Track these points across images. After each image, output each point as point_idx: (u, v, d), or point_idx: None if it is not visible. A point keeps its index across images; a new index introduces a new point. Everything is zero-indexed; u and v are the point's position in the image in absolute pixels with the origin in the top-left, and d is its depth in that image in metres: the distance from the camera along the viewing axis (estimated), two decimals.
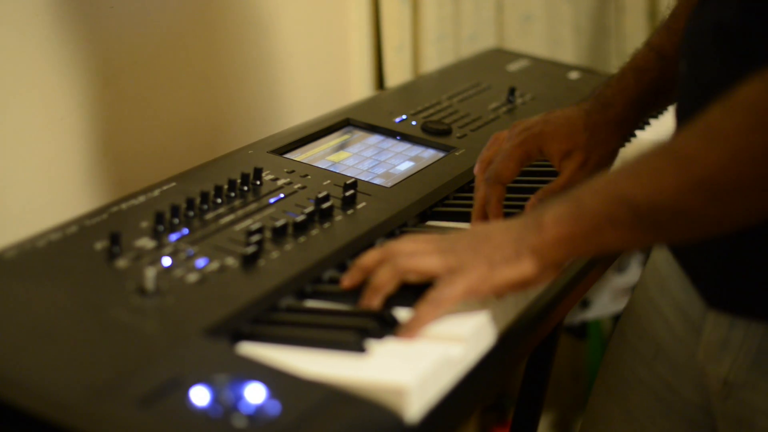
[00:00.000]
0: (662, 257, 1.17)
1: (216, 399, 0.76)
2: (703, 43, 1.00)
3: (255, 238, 1.02)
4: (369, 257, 0.97)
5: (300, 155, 1.29)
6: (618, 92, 1.19)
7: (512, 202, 1.20)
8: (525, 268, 0.91)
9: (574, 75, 1.78)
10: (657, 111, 1.25)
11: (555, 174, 1.27)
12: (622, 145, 1.21)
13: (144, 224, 1.03)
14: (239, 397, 0.77)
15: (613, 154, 1.20)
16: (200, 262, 0.98)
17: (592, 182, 0.91)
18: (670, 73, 1.19)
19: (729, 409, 1.05)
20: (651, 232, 0.88)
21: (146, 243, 1.00)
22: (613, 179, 0.90)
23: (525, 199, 1.19)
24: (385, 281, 0.94)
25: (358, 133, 1.40)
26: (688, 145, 0.85)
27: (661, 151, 0.88)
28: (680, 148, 0.86)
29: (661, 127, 1.57)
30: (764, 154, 0.81)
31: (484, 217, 1.15)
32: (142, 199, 1.10)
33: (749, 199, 0.83)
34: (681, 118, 1.05)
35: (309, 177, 1.21)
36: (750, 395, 1.03)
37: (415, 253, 0.94)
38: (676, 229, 0.88)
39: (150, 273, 0.91)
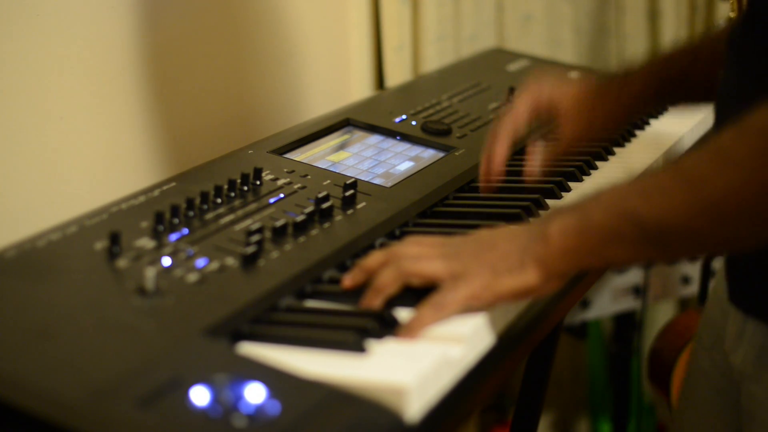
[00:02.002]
0: None
1: (216, 399, 0.76)
2: (726, 51, 1.05)
3: (255, 238, 1.02)
4: (373, 258, 0.97)
5: (300, 155, 1.29)
6: (640, 71, 1.22)
7: (511, 202, 1.20)
8: (529, 277, 0.92)
9: (574, 75, 1.77)
10: (674, 104, 1.27)
11: (551, 173, 1.28)
12: (630, 123, 1.23)
13: (144, 224, 1.03)
14: (239, 397, 0.77)
15: (619, 126, 1.21)
16: (200, 262, 0.98)
17: (600, 196, 0.92)
18: (698, 72, 1.22)
19: (742, 400, 1.09)
20: (657, 249, 0.89)
21: (146, 243, 1.00)
22: (621, 195, 0.90)
23: (525, 200, 1.19)
24: (387, 283, 0.94)
25: (358, 133, 1.40)
26: (698, 167, 0.86)
27: (671, 171, 0.89)
28: (691, 169, 0.87)
29: (660, 127, 1.57)
30: None
31: (489, 160, 1.19)
32: (142, 199, 1.10)
33: (757, 223, 0.84)
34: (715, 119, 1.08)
35: (309, 177, 1.21)
36: (755, 387, 1.06)
37: (419, 257, 0.94)
38: (682, 248, 0.90)
39: (150, 273, 0.91)
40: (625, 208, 0.88)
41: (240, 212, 1.09)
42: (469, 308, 0.92)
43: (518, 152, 1.42)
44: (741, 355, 1.08)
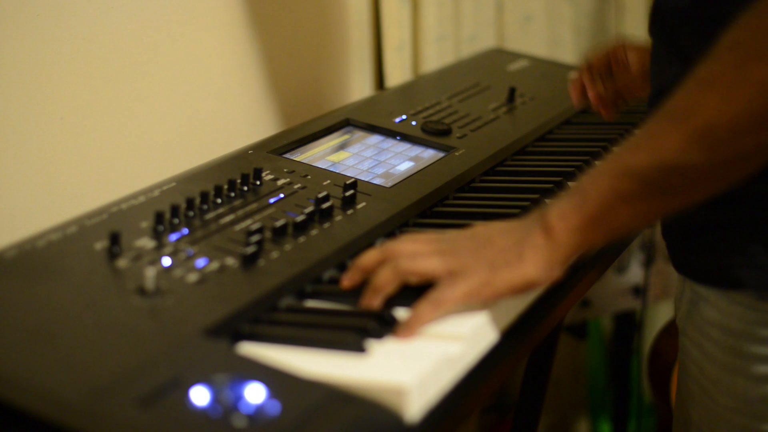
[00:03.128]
0: None
1: (216, 399, 0.76)
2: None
3: (255, 238, 1.02)
4: (369, 258, 0.97)
5: (300, 155, 1.29)
6: None
7: (511, 202, 1.20)
8: (528, 270, 0.92)
9: (574, 75, 1.77)
10: None
11: (551, 173, 1.28)
12: None
13: (144, 224, 1.03)
14: (239, 397, 0.77)
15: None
16: (200, 262, 0.98)
17: (590, 170, 0.93)
18: None
19: (679, 355, 1.13)
20: (660, 197, 0.89)
21: (146, 243, 1.00)
22: (612, 158, 0.91)
23: (525, 200, 1.20)
24: (385, 282, 0.94)
25: (358, 133, 1.40)
26: (681, 101, 0.87)
27: (655, 118, 0.89)
28: (674, 106, 0.88)
29: None
30: (757, 87, 0.82)
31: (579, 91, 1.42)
32: (142, 199, 1.10)
33: (751, 139, 0.84)
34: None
35: (309, 177, 1.21)
36: (684, 340, 1.10)
37: (416, 255, 0.94)
38: (685, 189, 0.89)
39: (150, 273, 0.91)
40: (620, 166, 0.89)
41: (240, 212, 1.09)
42: (467, 305, 0.92)
43: (518, 152, 1.42)
44: (680, 313, 1.11)
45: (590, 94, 1.43)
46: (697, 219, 1.01)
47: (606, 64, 1.39)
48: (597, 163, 0.93)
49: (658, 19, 1.06)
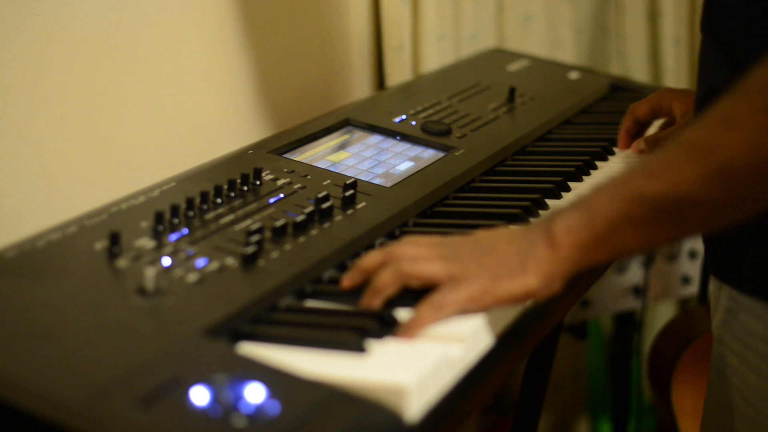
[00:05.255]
0: None
1: (216, 399, 0.76)
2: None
3: (255, 238, 1.02)
4: (370, 259, 0.97)
5: (300, 155, 1.29)
6: None
7: (511, 202, 1.20)
8: (529, 281, 0.91)
9: (574, 75, 1.78)
10: None
11: (551, 173, 1.28)
12: None
13: (144, 224, 1.03)
14: (239, 397, 0.77)
15: None
16: (200, 262, 0.98)
17: (602, 187, 0.92)
18: None
19: (712, 361, 1.12)
20: (670, 226, 0.89)
21: (146, 243, 1.00)
22: (624, 180, 0.90)
23: (525, 200, 1.20)
24: (386, 284, 0.94)
25: (358, 133, 1.40)
26: (703, 135, 0.86)
27: (674, 146, 0.88)
28: (696, 138, 0.86)
29: None
30: None
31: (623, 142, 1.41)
32: (142, 199, 1.10)
33: None
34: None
35: (309, 177, 1.21)
36: (722, 348, 1.09)
37: (418, 259, 0.94)
38: (696, 221, 0.89)
39: (150, 273, 0.91)
40: (633, 190, 0.88)
41: (240, 212, 1.09)
42: (467, 310, 0.92)
43: (518, 152, 1.42)
44: (716, 320, 1.10)
45: (634, 145, 1.39)
46: (745, 229, 1.00)
47: (650, 114, 1.37)
48: (611, 178, 0.92)
49: (709, 17, 1.05)
